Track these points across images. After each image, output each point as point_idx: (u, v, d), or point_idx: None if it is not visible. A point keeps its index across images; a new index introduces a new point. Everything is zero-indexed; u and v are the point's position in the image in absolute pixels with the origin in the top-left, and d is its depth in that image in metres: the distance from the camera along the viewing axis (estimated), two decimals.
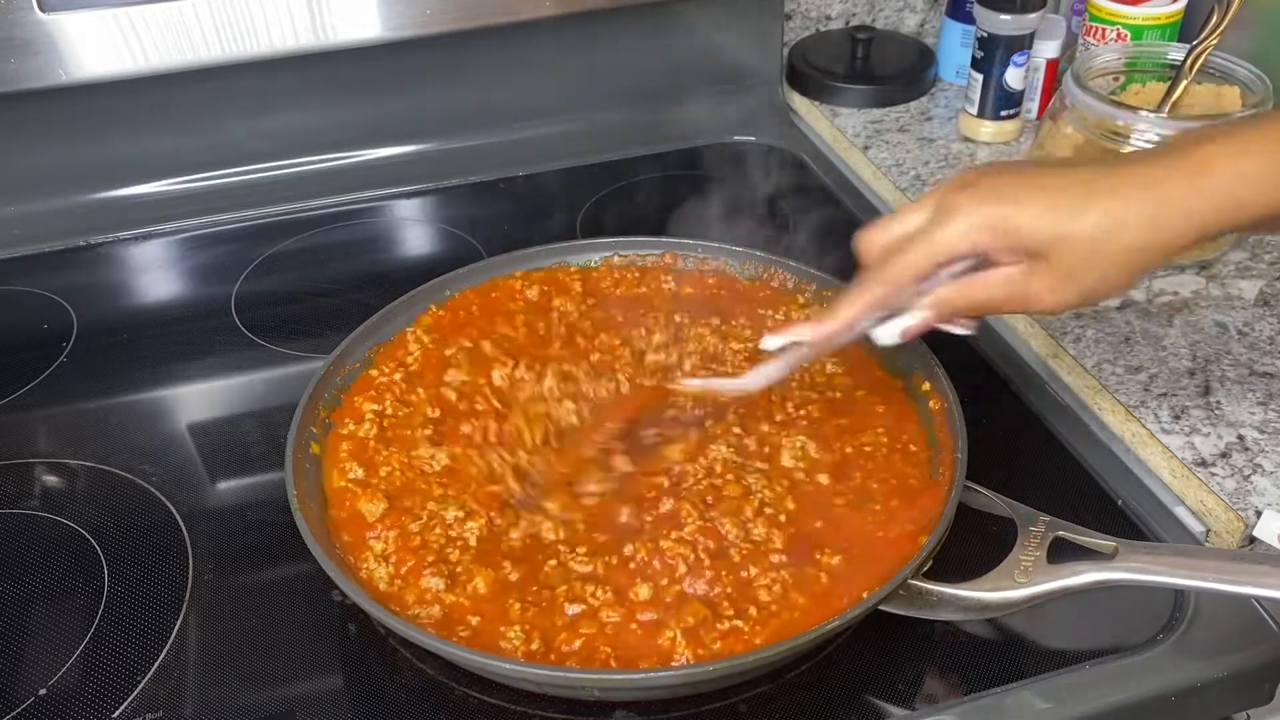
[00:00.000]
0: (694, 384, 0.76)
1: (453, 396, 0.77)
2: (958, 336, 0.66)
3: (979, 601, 0.61)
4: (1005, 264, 0.60)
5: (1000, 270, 0.61)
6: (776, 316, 0.86)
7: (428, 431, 0.75)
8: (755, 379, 0.71)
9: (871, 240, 0.65)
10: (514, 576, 0.65)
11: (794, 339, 0.68)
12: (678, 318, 0.85)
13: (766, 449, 0.73)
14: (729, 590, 0.64)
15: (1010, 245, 0.59)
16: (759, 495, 0.69)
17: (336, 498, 0.70)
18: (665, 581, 0.64)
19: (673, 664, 0.60)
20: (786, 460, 0.72)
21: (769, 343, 0.69)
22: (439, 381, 0.79)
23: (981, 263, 0.61)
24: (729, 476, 0.71)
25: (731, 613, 0.62)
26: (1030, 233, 0.58)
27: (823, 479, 0.71)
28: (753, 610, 0.62)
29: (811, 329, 0.67)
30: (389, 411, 0.76)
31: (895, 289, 0.63)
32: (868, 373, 0.80)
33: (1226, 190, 0.57)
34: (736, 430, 0.75)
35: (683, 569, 0.65)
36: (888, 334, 0.65)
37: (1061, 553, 0.62)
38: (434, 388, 0.78)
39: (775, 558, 0.65)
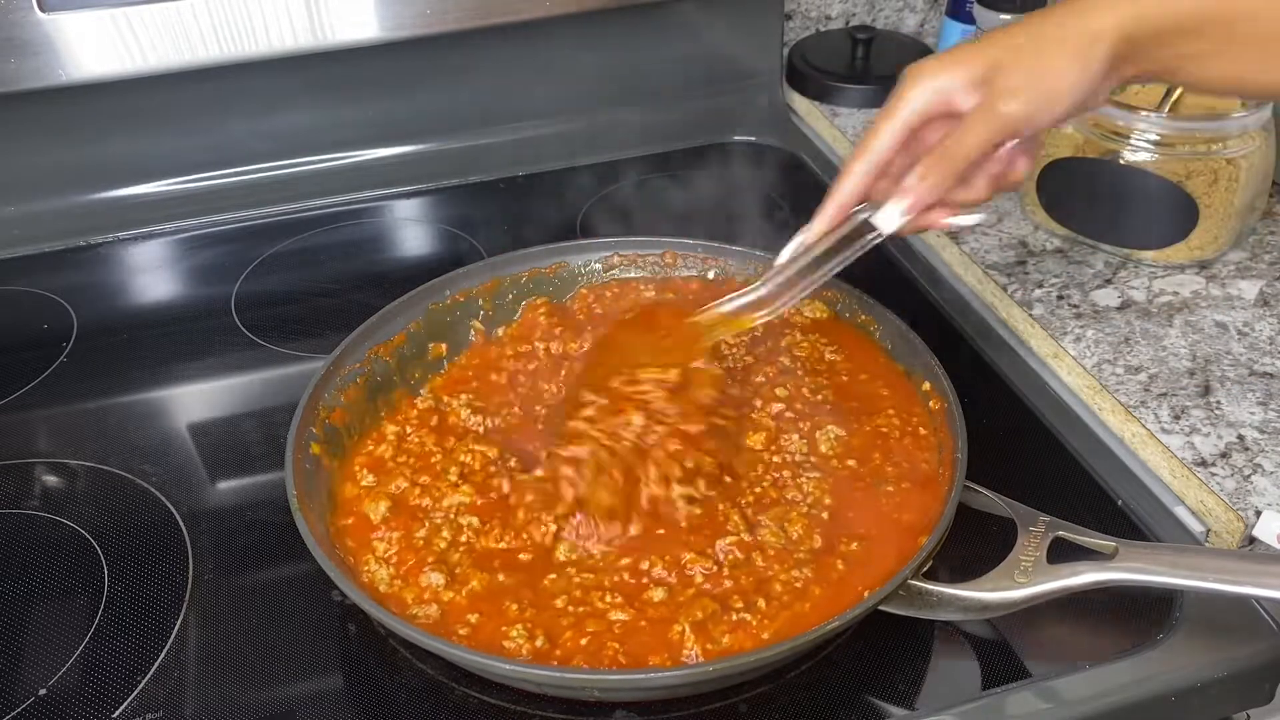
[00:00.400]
0: (714, 311, 0.76)
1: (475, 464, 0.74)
2: (964, 227, 0.70)
3: (979, 602, 0.61)
4: (968, 109, 0.64)
5: (966, 116, 0.64)
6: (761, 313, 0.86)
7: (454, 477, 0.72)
8: (768, 287, 0.74)
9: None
10: (510, 582, 0.65)
11: (801, 242, 0.71)
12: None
13: (808, 435, 0.74)
14: (743, 586, 0.64)
15: (963, 78, 0.64)
16: (810, 496, 0.70)
17: (345, 506, 0.71)
18: (679, 584, 0.64)
19: (683, 660, 0.60)
20: (823, 448, 0.73)
21: (782, 256, 0.72)
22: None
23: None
24: (786, 474, 0.71)
25: (740, 605, 0.62)
26: (975, 52, 0.64)
27: (851, 463, 0.72)
28: (761, 603, 0.62)
29: (813, 225, 0.70)
30: (411, 438, 0.76)
31: (872, 160, 0.67)
32: (870, 358, 0.81)
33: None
34: (789, 414, 0.75)
35: (701, 578, 0.65)
36: (888, 217, 0.67)
37: (1061, 553, 0.62)
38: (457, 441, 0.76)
39: (801, 554, 0.65)
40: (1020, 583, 0.61)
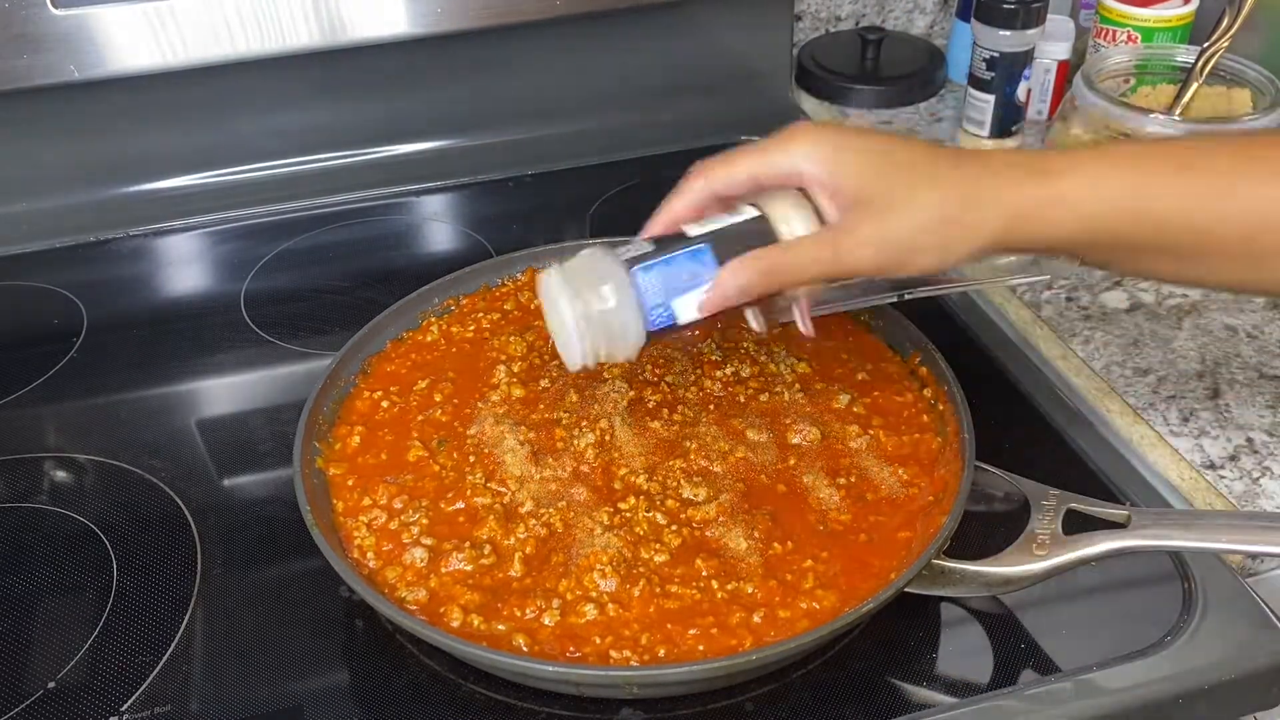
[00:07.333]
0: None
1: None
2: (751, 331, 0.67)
3: (1002, 576, 0.62)
4: (822, 219, 0.60)
5: (809, 234, 0.60)
6: None
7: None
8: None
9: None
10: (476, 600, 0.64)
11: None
12: None
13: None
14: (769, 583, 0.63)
15: (836, 178, 0.58)
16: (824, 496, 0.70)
17: (336, 456, 0.73)
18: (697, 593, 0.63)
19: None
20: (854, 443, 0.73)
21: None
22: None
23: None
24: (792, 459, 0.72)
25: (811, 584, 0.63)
26: (862, 166, 0.57)
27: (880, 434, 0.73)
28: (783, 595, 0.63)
29: (638, 236, 0.67)
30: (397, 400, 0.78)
31: (714, 190, 0.63)
32: (875, 354, 0.81)
33: (1071, 189, 0.57)
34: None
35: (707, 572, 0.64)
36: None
37: (1075, 525, 0.63)
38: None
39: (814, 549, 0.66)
40: (1039, 555, 0.62)
